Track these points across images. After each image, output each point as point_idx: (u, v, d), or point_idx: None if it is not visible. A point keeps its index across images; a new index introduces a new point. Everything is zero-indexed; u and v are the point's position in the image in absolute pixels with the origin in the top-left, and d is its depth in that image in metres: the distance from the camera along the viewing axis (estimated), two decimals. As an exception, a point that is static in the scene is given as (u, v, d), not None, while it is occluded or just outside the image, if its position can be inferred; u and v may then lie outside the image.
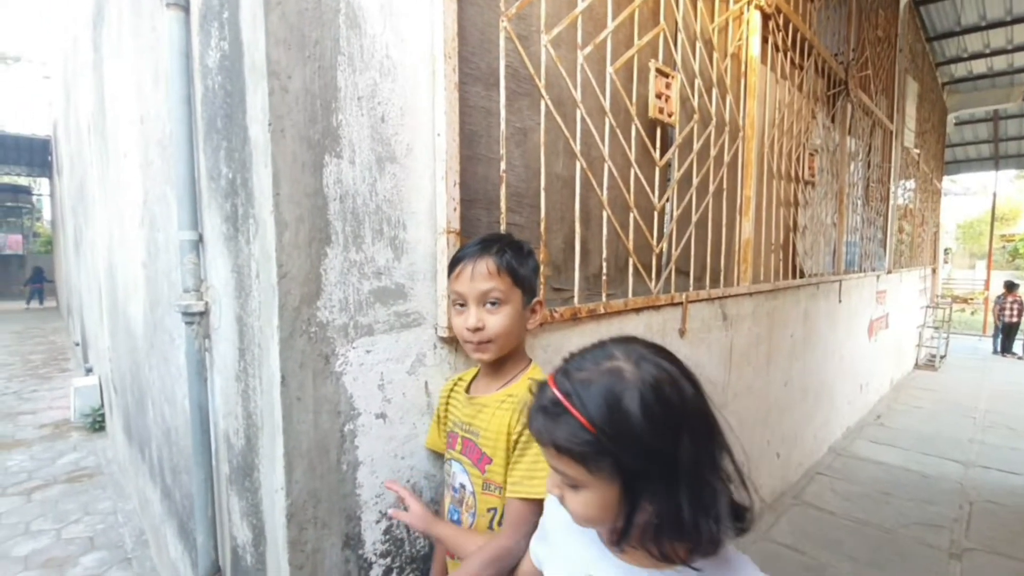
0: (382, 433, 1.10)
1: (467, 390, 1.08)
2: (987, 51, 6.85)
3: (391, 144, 1.07)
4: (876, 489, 3.34)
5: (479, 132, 1.35)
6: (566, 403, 0.59)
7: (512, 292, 0.97)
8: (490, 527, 1.00)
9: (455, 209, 1.15)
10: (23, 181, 17.75)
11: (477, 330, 0.95)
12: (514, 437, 0.96)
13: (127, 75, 2.04)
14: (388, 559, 1.13)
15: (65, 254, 7.34)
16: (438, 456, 1.18)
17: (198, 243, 1.26)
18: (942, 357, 7.37)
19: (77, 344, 5.79)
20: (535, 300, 1.03)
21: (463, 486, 1.03)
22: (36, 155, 12.81)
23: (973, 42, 6.74)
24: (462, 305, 0.98)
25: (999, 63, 7.23)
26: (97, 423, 3.91)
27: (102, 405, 3.95)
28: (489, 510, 1.00)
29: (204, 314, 1.26)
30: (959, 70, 7.80)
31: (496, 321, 0.96)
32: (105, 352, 3.39)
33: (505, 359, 1.03)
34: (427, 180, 1.14)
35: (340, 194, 1.00)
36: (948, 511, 3.06)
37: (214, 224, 1.19)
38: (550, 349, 1.48)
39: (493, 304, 0.96)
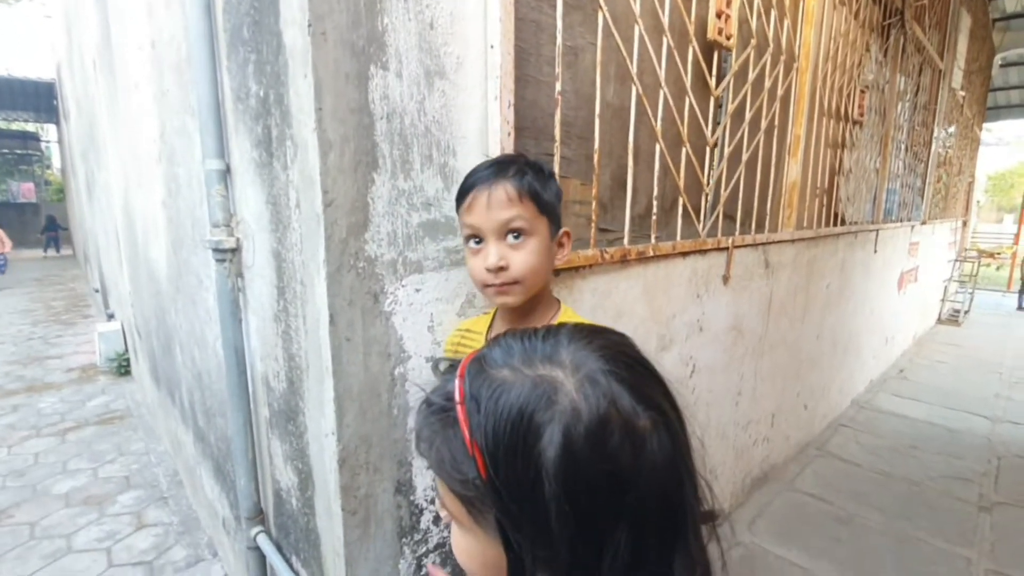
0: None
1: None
2: (1049, -18, 6.28)
3: (440, 56, 0.94)
4: (901, 442, 3.31)
5: (528, 50, 1.20)
6: (460, 409, 0.38)
7: (537, 221, 0.81)
8: None
9: (509, 134, 1.03)
10: (31, 127, 17.50)
11: (500, 270, 0.80)
12: None
13: (133, -4, 1.88)
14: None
15: (78, 201, 7.28)
16: None
17: (225, 173, 1.16)
18: (966, 312, 7.22)
19: (97, 291, 5.82)
20: (561, 231, 0.87)
21: None
22: (42, 100, 12.51)
23: (1035, -29, 6.18)
24: (478, 241, 0.82)
25: (1060, -4, 6.65)
26: (123, 367, 3.95)
27: (126, 350, 3.98)
28: None
29: (236, 251, 1.18)
30: (1011, 4, 7.21)
31: (521, 258, 0.80)
32: (127, 298, 3.37)
33: (533, 303, 0.87)
34: (478, 100, 1.01)
35: (387, 112, 0.88)
36: (976, 465, 3.03)
37: (243, 150, 1.09)
38: (598, 293, 1.39)
39: (516, 237, 0.80)
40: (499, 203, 0.79)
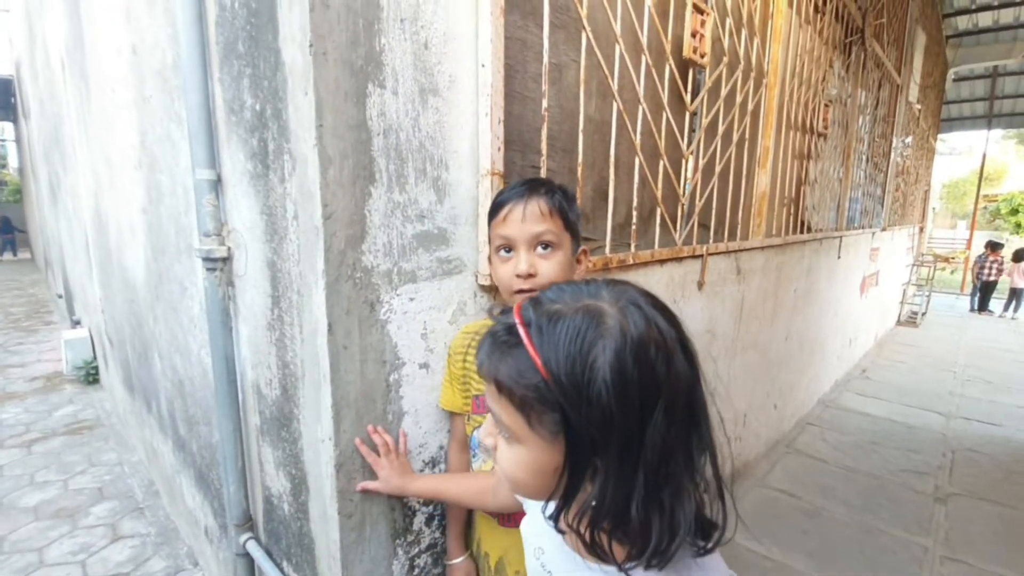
0: (425, 383, 1.06)
1: None
2: (996, 2, 6.68)
3: (434, 74, 0.98)
4: (864, 439, 3.48)
5: (515, 67, 1.26)
6: (523, 332, 0.47)
7: (564, 236, 0.90)
8: None
9: (499, 149, 1.07)
10: (-16, 125, 16.69)
11: (529, 276, 0.88)
12: None
13: (110, 1, 1.86)
14: (430, 507, 1.12)
15: (39, 203, 7.01)
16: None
17: (216, 183, 1.17)
18: (923, 314, 7.58)
19: (60, 296, 5.61)
20: (580, 249, 0.97)
21: None
22: (-2, 97, 11.98)
23: (984, -8, 6.57)
24: (508, 251, 0.91)
25: (1006, 16, 7.09)
26: (91, 375, 3.83)
27: (95, 357, 3.87)
28: None
29: (227, 260, 1.19)
30: (963, 23, 7.64)
31: (549, 267, 0.89)
32: (96, 304, 3.28)
33: None
34: (470, 116, 1.06)
35: (383, 128, 0.92)
36: (932, 459, 3.21)
37: (236, 162, 1.11)
38: (582, 300, 1.45)
39: (545, 248, 0.89)
40: (533, 216, 0.88)
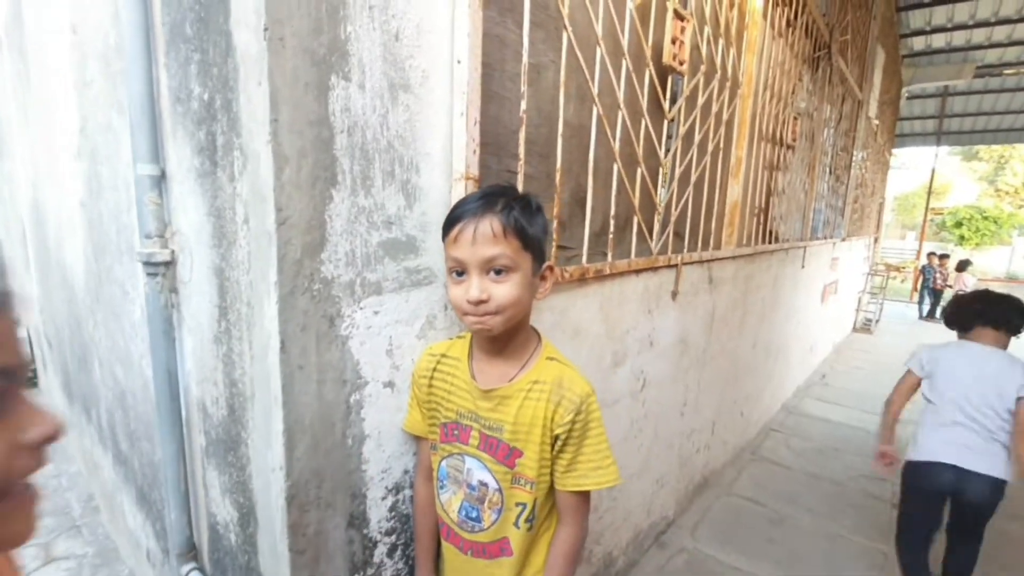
0: (390, 403, 0.98)
1: (472, 376, 0.92)
2: (950, 24, 7.01)
3: (405, 69, 0.90)
4: (826, 444, 3.55)
5: (493, 65, 1.19)
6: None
7: (521, 257, 0.82)
8: (516, 524, 0.92)
9: (475, 152, 1.00)
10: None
11: (481, 302, 0.81)
12: (559, 431, 0.88)
13: (49, -27, 1.70)
14: (393, 536, 1.04)
15: (-26, 190, 6.51)
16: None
17: (160, 179, 1.06)
18: (877, 321, 7.88)
19: (-5, 292, 5.21)
20: (545, 265, 0.88)
21: (484, 483, 0.93)
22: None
23: (939, 15, 6.87)
24: (460, 273, 0.82)
25: (958, 38, 7.44)
26: (29, 379, 3.55)
27: (32, 360, 3.59)
28: (517, 504, 0.92)
29: (170, 264, 1.07)
30: (918, 44, 7.99)
31: (503, 291, 0.81)
32: (34, 302, 3.03)
33: (512, 334, 0.89)
34: (443, 116, 0.98)
35: (348, 125, 0.83)
36: (889, 464, 3.29)
37: (182, 156, 1.00)
38: (557, 311, 1.39)
39: (499, 272, 0.81)
40: (484, 239, 0.79)
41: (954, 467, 1.73)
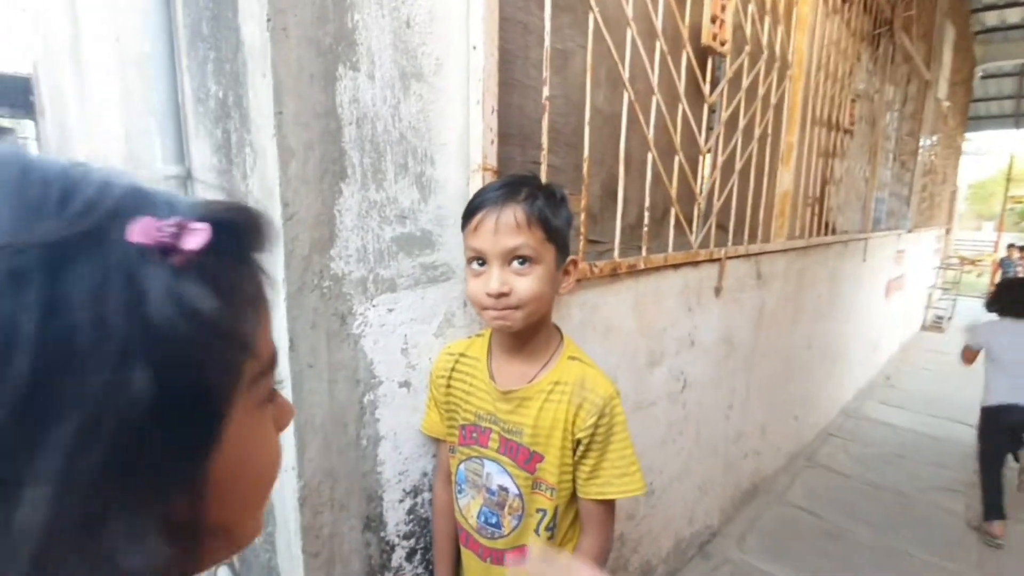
0: (406, 403, 0.95)
1: (491, 377, 0.89)
2: (1029, -4, 6.38)
3: (417, 57, 0.87)
4: (888, 451, 3.29)
5: (514, 52, 1.14)
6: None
7: (544, 248, 0.78)
8: (536, 531, 0.88)
9: (492, 142, 0.96)
10: (6, 123, 17.05)
11: (502, 295, 0.77)
12: (581, 435, 0.83)
13: (98, -12, 1.78)
14: (412, 540, 1.01)
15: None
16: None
17: (186, 179, 1.07)
18: (949, 319, 7.29)
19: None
20: (569, 259, 0.84)
21: (504, 488, 0.88)
22: (18, 95, 12.18)
23: (1016, -15, 6.28)
24: (481, 263, 0.79)
25: (1039, 10, 6.77)
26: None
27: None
28: (538, 511, 0.87)
29: (196, 263, 1.09)
30: (991, 19, 7.32)
31: (525, 284, 0.77)
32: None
33: (533, 331, 0.85)
34: (459, 105, 0.94)
35: (357, 117, 0.81)
36: (961, 475, 3.01)
37: (203, 156, 1.00)
38: (587, 307, 1.33)
39: (522, 263, 0.77)
40: (507, 228, 0.75)
41: (1021, 407, 2.44)
